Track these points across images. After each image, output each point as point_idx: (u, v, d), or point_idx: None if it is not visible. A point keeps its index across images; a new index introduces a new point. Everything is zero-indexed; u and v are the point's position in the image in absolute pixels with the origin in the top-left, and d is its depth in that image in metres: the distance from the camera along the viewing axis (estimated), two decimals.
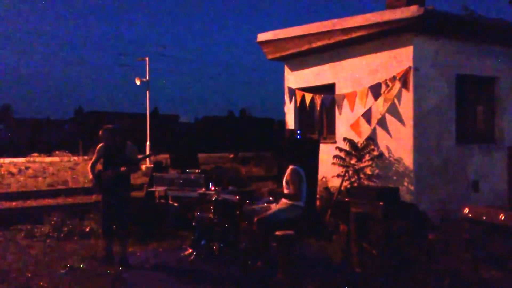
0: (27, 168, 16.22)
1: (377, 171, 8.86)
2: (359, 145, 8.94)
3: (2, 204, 10.66)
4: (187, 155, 11.10)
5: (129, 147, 6.62)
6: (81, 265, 6.37)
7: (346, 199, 7.67)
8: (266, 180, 14.09)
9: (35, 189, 12.56)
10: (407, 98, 8.40)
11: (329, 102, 9.87)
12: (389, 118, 8.74)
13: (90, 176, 6.70)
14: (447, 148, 8.72)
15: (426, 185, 8.44)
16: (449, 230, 7.05)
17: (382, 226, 6.15)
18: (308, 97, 10.24)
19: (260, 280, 5.85)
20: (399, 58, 8.52)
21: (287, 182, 6.73)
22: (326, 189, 9.46)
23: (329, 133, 10.41)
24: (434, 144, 8.55)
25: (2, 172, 15.01)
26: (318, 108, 10.22)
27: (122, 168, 6.36)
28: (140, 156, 7.12)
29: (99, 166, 6.69)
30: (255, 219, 6.42)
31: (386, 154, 8.78)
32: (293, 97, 10.82)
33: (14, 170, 15.57)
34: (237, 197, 6.99)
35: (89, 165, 6.70)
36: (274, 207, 6.71)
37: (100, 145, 6.60)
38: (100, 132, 6.57)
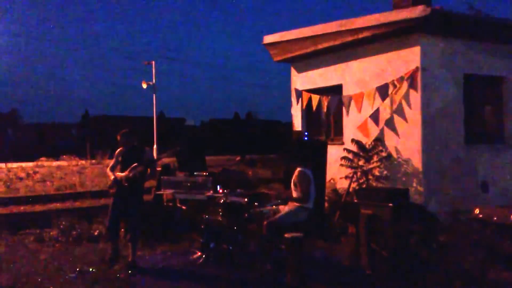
0: (35, 172, 16.25)
1: (385, 172, 8.82)
2: (367, 146, 8.91)
3: (11, 209, 10.69)
4: (195, 158, 11.09)
5: (147, 152, 6.71)
6: (91, 269, 6.38)
7: (354, 201, 7.65)
8: (273, 182, 14.05)
9: (43, 193, 12.57)
10: (415, 98, 8.37)
11: (336, 104, 9.84)
12: (397, 119, 8.71)
13: (111, 178, 6.65)
14: (456, 148, 8.66)
15: (435, 186, 8.39)
16: (460, 231, 7.01)
17: (392, 228, 6.12)
18: (315, 98, 10.21)
19: (269, 283, 5.84)
20: (406, 59, 8.49)
21: (295, 184, 6.71)
22: (334, 190, 9.42)
23: (337, 134, 10.39)
24: (442, 144, 8.51)
25: (11, 177, 15.05)
26: (325, 110, 10.19)
27: (139, 168, 6.41)
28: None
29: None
30: (264, 222, 6.41)
31: (394, 155, 8.74)
32: (300, 99, 10.80)
33: (22, 175, 15.60)
34: (245, 200, 6.98)
35: (108, 168, 6.77)
36: (282, 208, 6.69)
37: (119, 149, 6.70)
38: (118, 137, 6.68)
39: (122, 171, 6.55)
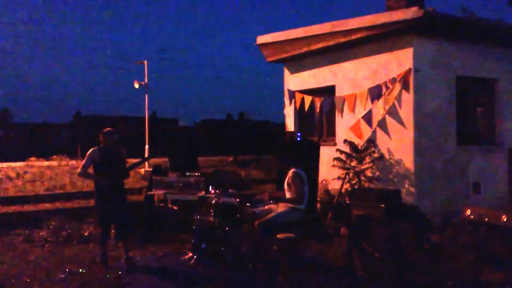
0: (25, 172, 16.12)
1: (377, 173, 8.83)
2: (359, 147, 8.92)
3: (0, 209, 10.60)
4: (187, 158, 11.06)
5: (124, 154, 6.66)
6: (80, 270, 6.33)
7: (347, 202, 7.66)
8: (265, 183, 14.05)
9: (33, 193, 12.47)
10: (407, 99, 8.39)
11: (329, 105, 9.85)
12: (389, 120, 8.73)
13: (98, 179, 6.47)
14: (448, 149, 8.70)
15: (427, 187, 8.42)
16: (451, 231, 7.04)
17: (384, 228, 6.14)
18: (307, 99, 10.22)
19: (261, 283, 5.82)
20: (399, 60, 8.51)
21: (288, 185, 6.68)
22: (327, 191, 9.43)
23: (329, 135, 10.40)
24: (434, 145, 8.54)
25: (0, 177, 14.92)
26: (318, 111, 10.20)
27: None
28: (138, 160, 7.14)
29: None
30: (256, 223, 6.38)
31: (386, 156, 8.76)
32: (293, 100, 10.81)
33: (12, 175, 15.46)
34: (237, 200, 6.96)
35: (81, 170, 6.46)
36: (274, 208, 6.68)
37: (92, 149, 6.47)
38: (101, 137, 6.52)
39: (102, 171, 6.41)
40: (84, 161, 6.52)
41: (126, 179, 6.86)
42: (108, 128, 6.64)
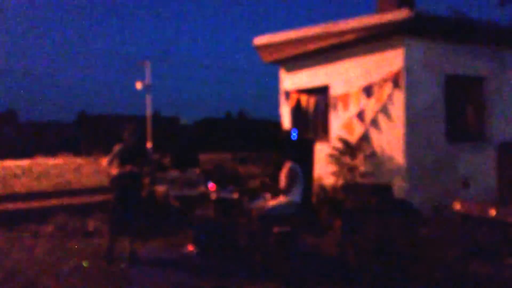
0: (31, 169, 16.27)
1: (370, 169, 9.07)
2: (352, 144, 9.17)
3: (7, 205, 10.78)
4: (188, 155, 11.31)
5: (148, 151, 6.98)
6: (85, 264, 6.50)
7: (341, 196, 7.92)
8: (263, 178, 14.23)
9: (39, 190, 12.64)
10: (399, 98, 8.62)
11: (323, 103, 10.09)
12: (381, 118, 8.96)
13: (114, 173, 6.84)
14: (438, 146, 8.90)
15: (418, 182, 8.62)
16: (441, 224, 7.25)
17: (376, 222, 6.33)
18: (303, 98, 10.47)
19: (258, 275, 6.04)
20: (391, 60, 8.73)
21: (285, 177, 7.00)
22: (322, 186, 9.66)
23: (324, 133, 10.61)
24: (425, 142, 8.75)
25: (7, 174, 15.06)
26: (313, 109, 10.45)
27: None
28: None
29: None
30: (253, 212, 6.64)
31: (379, 152, 8.99)
32: (289, 99, 11.03)
33: (19, 172, 15.62)
34: (236, 195, 7.22)
35: (106, 163, 6.91)
36: (272, 201, 6.96)
37: (119, 145, 6.88)
38: (125, 133, 6.91)
39: (122, 164, 6.76)
40: (109, 157, 6.95)
41: (152, 173, 7.15)
42: (127, 127, 7.02)
